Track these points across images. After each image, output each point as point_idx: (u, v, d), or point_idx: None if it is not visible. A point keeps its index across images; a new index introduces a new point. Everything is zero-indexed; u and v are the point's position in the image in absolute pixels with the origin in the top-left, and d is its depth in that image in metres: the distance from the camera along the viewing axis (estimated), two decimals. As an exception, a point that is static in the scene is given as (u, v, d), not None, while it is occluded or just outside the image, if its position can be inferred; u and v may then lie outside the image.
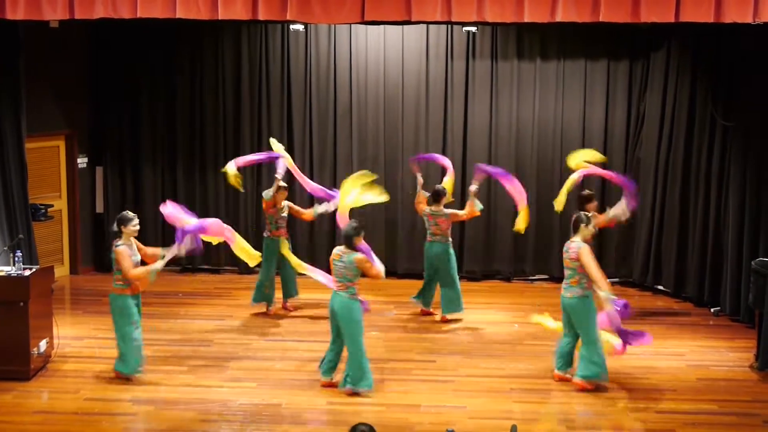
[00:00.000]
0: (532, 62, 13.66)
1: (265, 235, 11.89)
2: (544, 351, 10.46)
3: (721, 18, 8.86)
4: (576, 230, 9.35)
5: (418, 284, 12.53)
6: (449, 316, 11.65)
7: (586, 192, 11.42)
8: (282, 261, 11.86)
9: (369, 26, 13.26)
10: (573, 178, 11.42)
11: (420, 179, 12.04)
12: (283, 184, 11.80)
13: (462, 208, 11.96)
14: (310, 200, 13.07)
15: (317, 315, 11.85)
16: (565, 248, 9.43)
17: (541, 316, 10.14)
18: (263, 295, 11.94)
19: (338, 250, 9.29)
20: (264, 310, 11.96)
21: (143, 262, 9.42)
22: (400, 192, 13.84)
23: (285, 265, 11.87)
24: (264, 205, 11.79)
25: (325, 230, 13.99)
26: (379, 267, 9.24)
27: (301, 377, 9.61)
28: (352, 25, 13.29)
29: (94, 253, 14.18)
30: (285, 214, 11.85)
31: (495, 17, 9.19)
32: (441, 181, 12.20)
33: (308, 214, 12.04)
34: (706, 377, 9.81)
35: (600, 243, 13.54)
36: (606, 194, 13.19)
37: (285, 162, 11.69)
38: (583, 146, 13.64)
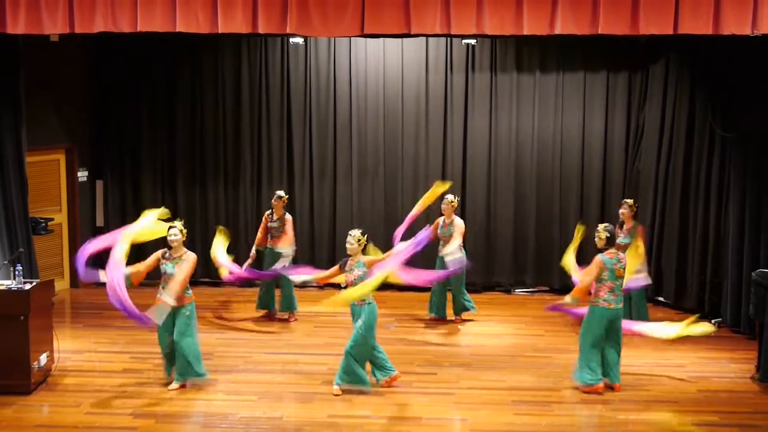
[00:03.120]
0: (532, 74, 13.70)
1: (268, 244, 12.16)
2: (545, 363, 10.48)
3: (720, 30, 8.89)
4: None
5: (420, 297, 12.58)
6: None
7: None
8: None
9: (368, 39, 13.30)
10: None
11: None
12: (280, 193, 12.08)
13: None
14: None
15: (316, 328, 11.88)
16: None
17: None
18: (263, 301, 12.28)
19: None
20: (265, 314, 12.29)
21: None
22: (400, 204, 13.85)
23: (282, 277, 11.97)
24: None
25: (325, 246, 14.04)
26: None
27: (301, 390, 9.59)
28: (352, 38, 13.34)
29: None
30: (277, 225, 12.00)
31: (494, 30, 9.22)
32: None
33: (289, 239, 12.08)
34: (707, 389, 9.79)
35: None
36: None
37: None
38: (583, 158, 13.73)
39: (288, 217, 12.07)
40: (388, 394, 9.49)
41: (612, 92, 13.65)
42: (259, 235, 12.23)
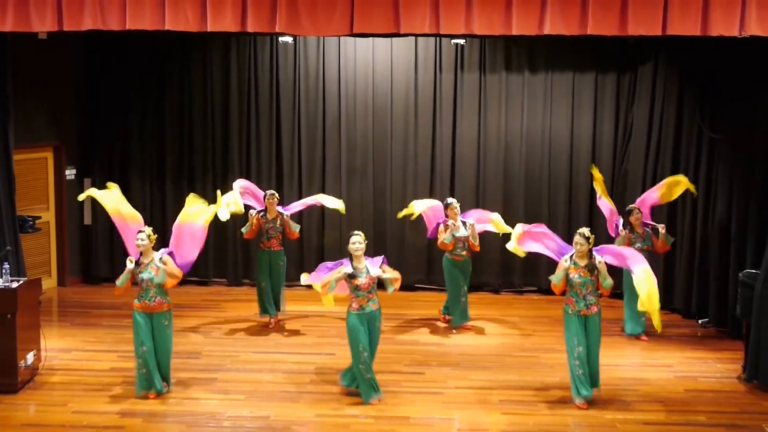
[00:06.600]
0: (520, 74, 13.72)
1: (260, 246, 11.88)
2: (532, 362, 10.50)
3: (708, 31, 8.92)
4: None
5: (408, 296, 12.57)
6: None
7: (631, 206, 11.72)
8: (273, 274, 11.84)
9: (358, 38, 13.30)
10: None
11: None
12: (272, 191, 11.90)
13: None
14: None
15: (305, 327, 11.87)
16: None
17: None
18: (264, 307, 11.88)
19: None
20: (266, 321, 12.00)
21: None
22: (389, 203, 13.86)
23: (274, 279, 11.85)
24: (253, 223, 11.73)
25: (314, 246, 14.03)
26: None
27: (289, 389, 9.59)
28: (341, 37, 13.33)
29: (82, 265, 14.13)
30: (274, 225, 11.75)
31: (483, 30, 9.21)
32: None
33: (295, 232, 11.84)
34: (694, 389, 9.83)
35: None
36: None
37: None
38: (571, 158, 13.75)
39: (285, 214, 11.72)
40: (376, 393, 9.50)
41: (600, 92, 13.68)
42: (248, 236, 11.82)
